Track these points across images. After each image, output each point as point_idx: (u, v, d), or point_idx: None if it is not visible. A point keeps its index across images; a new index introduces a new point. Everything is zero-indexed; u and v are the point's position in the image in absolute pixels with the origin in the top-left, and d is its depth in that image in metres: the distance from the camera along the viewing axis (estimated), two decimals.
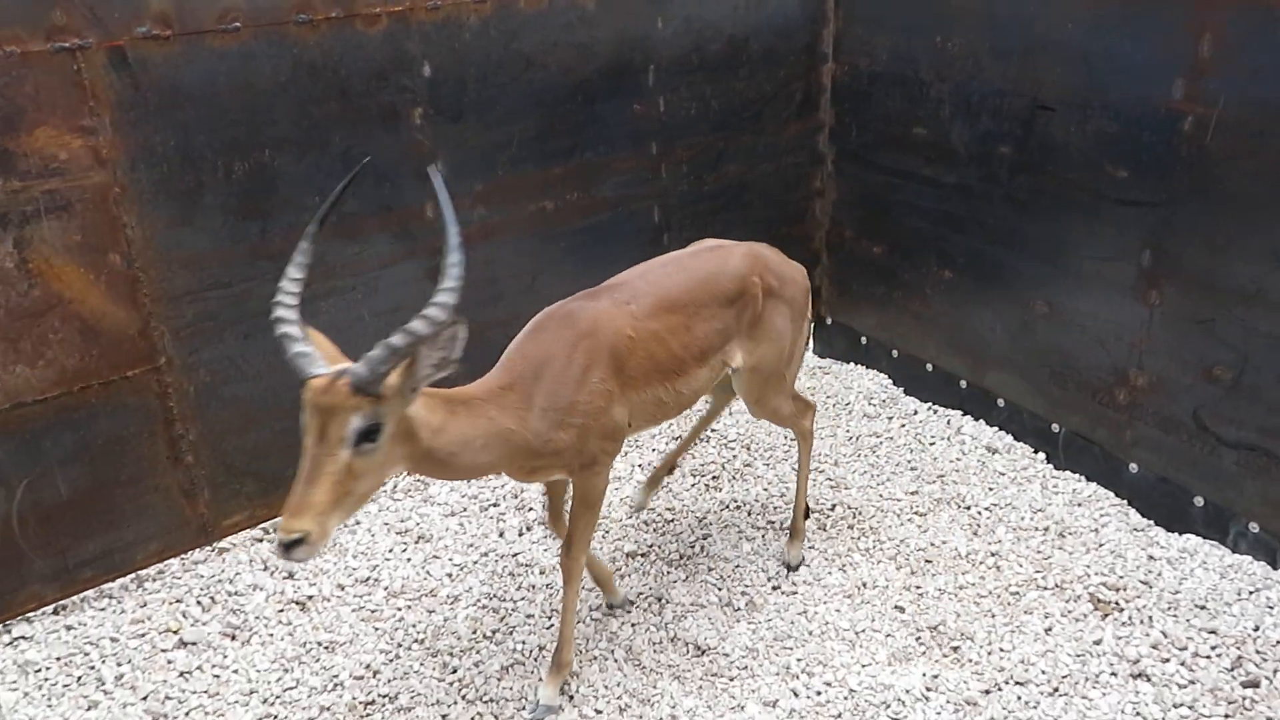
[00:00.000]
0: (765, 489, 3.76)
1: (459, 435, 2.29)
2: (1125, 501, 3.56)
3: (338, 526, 1.95)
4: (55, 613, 3.20)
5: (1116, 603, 3.07)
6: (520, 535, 3.54)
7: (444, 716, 2.78)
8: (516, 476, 2.61)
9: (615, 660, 2.96)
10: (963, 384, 4.15)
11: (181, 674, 2.96)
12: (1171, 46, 3.09)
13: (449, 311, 2.02)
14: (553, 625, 3.10)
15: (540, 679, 2.85)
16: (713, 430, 4.17)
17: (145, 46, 2.87)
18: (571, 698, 2.83)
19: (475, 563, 3.41)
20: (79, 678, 2.95)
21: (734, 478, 3.85)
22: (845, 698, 2.80)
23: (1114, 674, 2.82)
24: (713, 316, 2.77)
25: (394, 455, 2.13)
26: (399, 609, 3.21)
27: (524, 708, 2.80)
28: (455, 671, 2.94)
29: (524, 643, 3.04)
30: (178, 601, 3.25)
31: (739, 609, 3.16)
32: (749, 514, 3.63)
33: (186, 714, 2.82)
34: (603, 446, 2.58)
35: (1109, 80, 3.30)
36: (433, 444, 2.23)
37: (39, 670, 2.98)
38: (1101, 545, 3.34)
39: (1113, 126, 3.32)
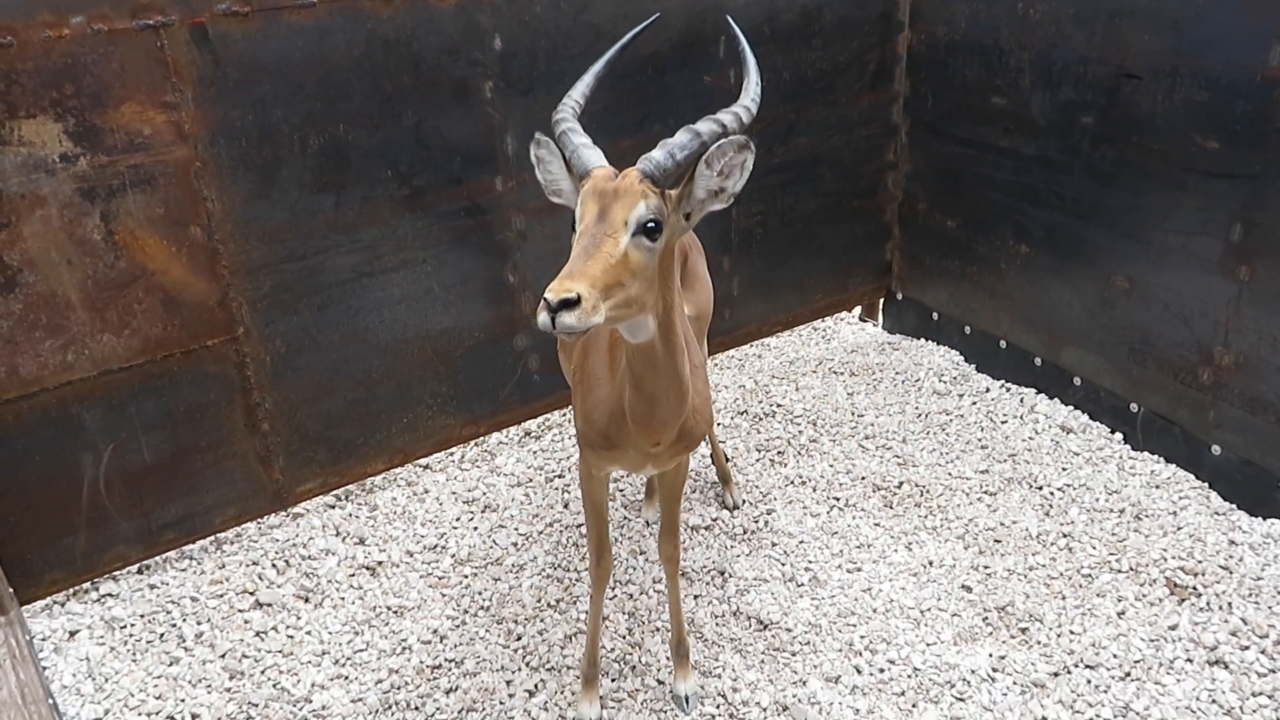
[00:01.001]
0: (831, 465, 3.73)
1: (687, 331, 2.10)
2: (1206, 484, 3.45)
3: (600, 322, 1.72)
4: (139, 572, 3.34)
5: (1194, 588, 2.99)
6: None
7: (508, 682, 2.84)
8: (659, 460, 2.35)
9: None
10: (1037, 361, 4.05)
11: (257, 633, 3.06)
12: (1268, 9, 2.95)
13: (751, 118, 1.85)
14: (616, 596, 3.13)
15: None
16: (778, 406, 4.15)
17: (225, 23, 2.93)
18: (634, 667, 2.86)
19: (540, 533, 3.45)
20: (161, 634, 3.08)
21: (799, 453, 3.83)
22: (909, 676, 2.78)
23: (1189, 660, 2.75)
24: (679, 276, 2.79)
25: (656, 283, 1.90)
26: (465, 576, 3.27)
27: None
28: (520, 639, 2.99)
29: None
30: (254, 564, 3.36)
31: (802, 584, 3.15)
32: (814, 490, 3.61)
33: (262, 672, 2.92)
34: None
35: (1200, 46, 3.16)
36: (674, 322, 2.02)
37: (124, 626, 3.12)
38: (1180, 529, 3.24)
39: (1203, 95, 3.19)
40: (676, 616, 2.74)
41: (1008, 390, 4.16)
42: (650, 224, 1.80)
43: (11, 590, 3.03)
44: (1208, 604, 2.93)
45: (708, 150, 1.85)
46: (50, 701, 2.74)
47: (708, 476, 3.71)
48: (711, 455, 3.61)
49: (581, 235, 1.82)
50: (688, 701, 2.73)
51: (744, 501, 3.55)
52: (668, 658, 2.88)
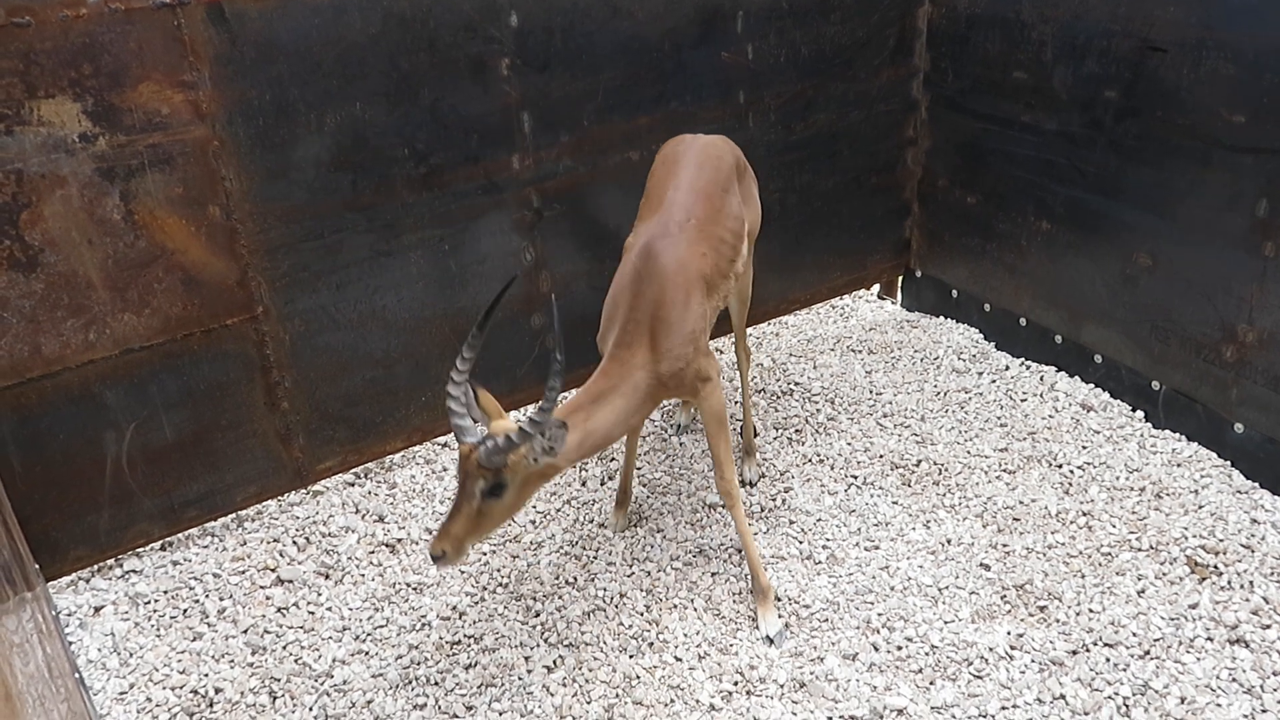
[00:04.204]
0: (849, 443, 3.72)
1: (600, 431, 2.61)
2: (1228, 462, 3.42)
3: (470, 555, 2.49)
4: (162, 549, 3.38)
5: (1215, 566, 2.97)
6: (602, 485, 3.58)
7: (527, 658, 2.86)
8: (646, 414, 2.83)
9: (695, 609, 2.99)
10: (1058, 339, 4.02)
11: (279, 609, 3.10)
12: None
13: (546, 418, 2.35)
14: (634, 574, 3.15)
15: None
16: (796, 384, 4.14)
17: (241, 2, 2.92)
18: (652, 644, 2.88)
19: (558, 510, 3.47)
20: (184, 610, 3.12)
21: (817, 431, 3.82)
22: (926, 653, 2.78)
23: (1210, 639, 2.74)
24: (733, 195, 3.11)
25: (529, 492, 2.50)
26: (484, 553, 3.29)
27: (608, 650, 2.86)
28: (538, 615, 3.01)
29: (605, 589, 3.09)
30: (275, 541, 3.39)
31: (820, 562, 3.15)
32: (832, 468, 3.60)
33: (284, 647, 2.96)
34: (710, 361, 2.84)
35: (1227, 18, 3.11)
36: (576, 455, 2.57)
37: (148, 602, 3.16)
38: (1201, 507, 3.22)
39: (1229, 68, 3.14)
40: (749, 555, 2.94)
41: (1027, 368, 4.13)
42: (491, 489, 2.37)
43: (37, 566, 3.07)
44: (1229, 582, 2.91)
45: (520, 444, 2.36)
46: (76, 676, 2.78)
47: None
48: (742, 426, 3.64)
49: (456, 496, 2.40)
50: (770, 639, 2.87)
51: (761, 478, 3.55)
52: (685, 634, 2.90)
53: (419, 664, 2.87)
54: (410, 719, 2.71)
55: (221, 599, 3.15)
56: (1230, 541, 3.05)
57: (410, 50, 3.20)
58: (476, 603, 3.08)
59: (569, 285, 3.81)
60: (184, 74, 2.90)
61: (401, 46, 3.18)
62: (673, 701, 2.69)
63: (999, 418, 3.81)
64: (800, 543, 3.23)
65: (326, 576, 3.23)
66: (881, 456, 3.63)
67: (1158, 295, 3.55)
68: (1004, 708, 2.61)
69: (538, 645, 2.91)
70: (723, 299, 3.00)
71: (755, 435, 3.72)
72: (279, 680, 2.84)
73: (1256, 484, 3.31)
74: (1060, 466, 3.49)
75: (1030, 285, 4.10)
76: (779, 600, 2.98)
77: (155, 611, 3.12)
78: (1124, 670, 2.67)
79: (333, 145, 3.18)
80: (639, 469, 3.66)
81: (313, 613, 3.09)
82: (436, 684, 2.81)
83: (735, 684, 2.73)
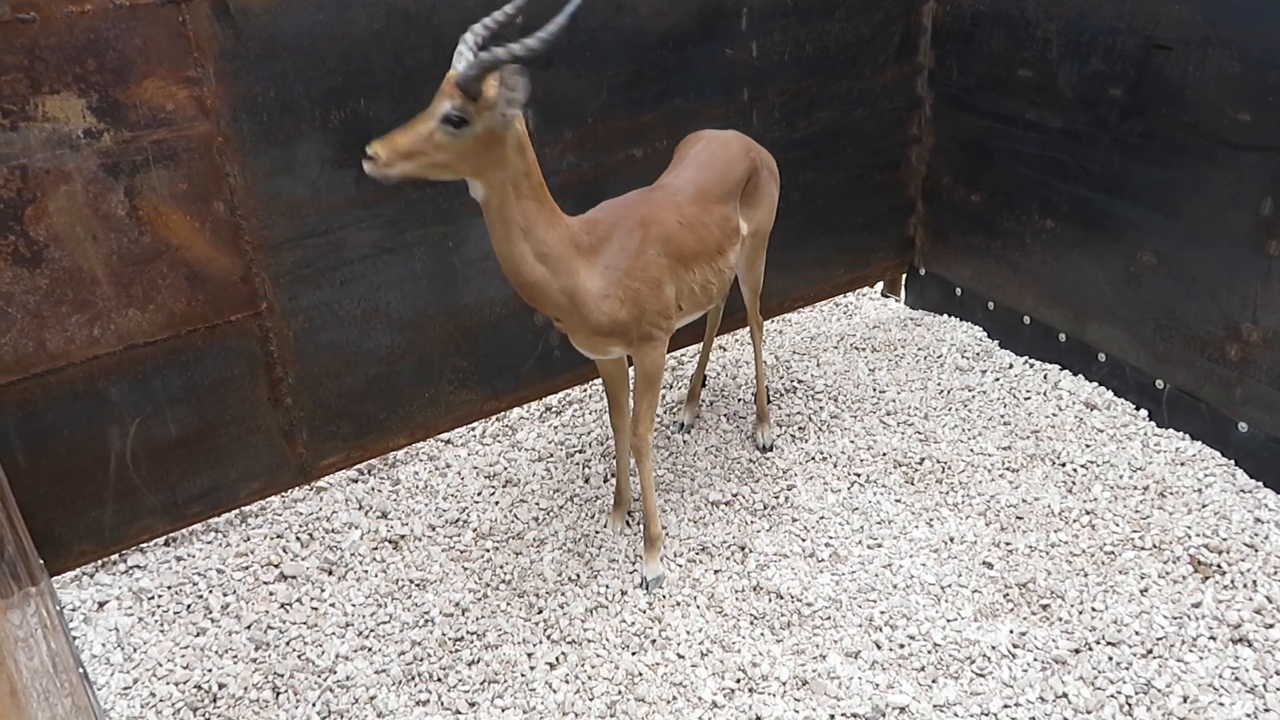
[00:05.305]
0: (852, 441, 3.72)
1: (532, 217, 2.60)
2: (1232, 461, 3.41)
3: (403, 174, 2.40)
4: (166, 544, 3.39)
5: (1218, 565, 2.97)
6: (605, 481, 3.58)
7: (529, 655, 2.86)
8: (580, 342, 2.93)
9: (697, 607, 3.00)
10: (1062, 337, 4.02)
11: (282, 605, 3.10)
12: None
13: (527, 53, 2.30)
14: (636, 571, 3.15)
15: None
16: (799, 382, 4.14)
17: None
18: (654, 641, 2.88)
19: (561, 507, 3.47)
20: (188, 605, 3.12)
21: (820, 429, 3.82)
22: (929, 651, 2.78)
23: (1213, 638, 2.74)
24: (734, 200, 3.19)
25: (472, 158, 2.45)
26: (487, 550, 3.29)
27: (610, 647, 2.86)
28: (541, 612, 3.01)
29: (608, 586, 3.09)
30: (278, 537, 3.39)
31: (823, 560, 3.15)
32: (835, 465, 3.60)
33: (287, 643, 2.96)
34: (656, 322, 2.91)
35: (1232, 15, 3.10)
36: (508, 199, 2.54)
37: (152, 598, 3.16)
38: (1205, 506, 3.22)
39: (1235, 66, 3.13)
40: (647, 506, 3.11)
41: (1031, 366, 4.13)
42: (451, 117, 2.36)
43: (41, 561, 3.08)
44: (1232, 581, 2.91)
45: (491, 69, 2.34)
46: (80, 670, 2.79)
47: (727, 452, 3.71)
48: (756, 393, 3.78)
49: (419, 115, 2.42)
50: (647, 581, 3.08)
51: (765, 474, 3.56)
52: (688, 631, 2.90)
53: (422, 660, 2.88)
54: (413, 715, 2.72)
55: (225, 595, 3.16)
56: (1234, 541, 3.04)
57: (414, 47, 3.20)
58: (479, 599, 3.09)
59: None
60: (188, 70, 2.90)
61: (405, 43, 3.18)
62: (675, 699, 2.70)
63: (1002, 416, 3.81)
64: (803, 540, 3.24)
65: (330, 572, 3.24)
66: (885, 454, 3.63)
67: (1162, 294, 3.54)
68: (1006, 706, 2.61)
69: (540, 642, 2.91)
70: (698, 287, 3.03)
71: (769, 402, 3.87)
72: (282, 676, 2.85)
73: (1260, 483, 3.31)
74: (1064, 465, 3.49)
75: (1034, 283, 4.09)
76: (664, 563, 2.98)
77: (159, 607, 3.13)
78: (1127, 669, 2.67)
79: (337, 141, 3.18)
80: None
81: (316, 609, 3.09)
82: (439, 680, 2.81)
83: (738, 681, 2.74)
